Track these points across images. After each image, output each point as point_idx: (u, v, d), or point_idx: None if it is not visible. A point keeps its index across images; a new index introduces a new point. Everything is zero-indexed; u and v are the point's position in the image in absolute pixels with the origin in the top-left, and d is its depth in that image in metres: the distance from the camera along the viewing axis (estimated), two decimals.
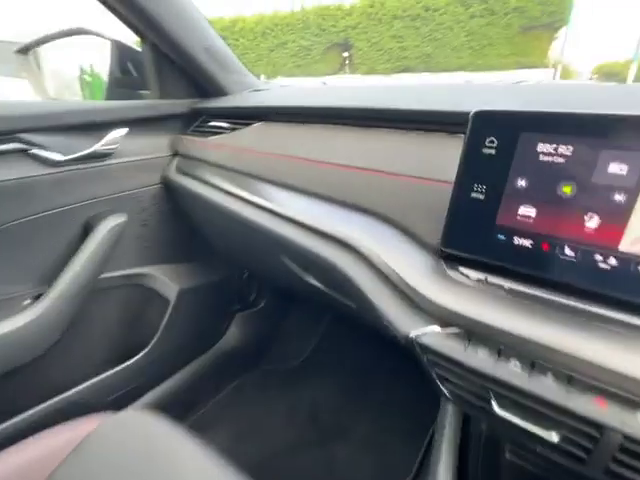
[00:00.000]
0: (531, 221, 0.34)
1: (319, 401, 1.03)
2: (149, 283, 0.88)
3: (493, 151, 0.35)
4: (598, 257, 0.32)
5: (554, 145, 0.32)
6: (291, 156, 0.59)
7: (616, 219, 0.31)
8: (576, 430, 0.29)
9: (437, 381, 0.38)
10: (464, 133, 0.38)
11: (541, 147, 0.33)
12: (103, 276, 0.79)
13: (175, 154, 0.87)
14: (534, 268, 0.35)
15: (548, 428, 0.31)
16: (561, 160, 0.32)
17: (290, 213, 0.54)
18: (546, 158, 0.33)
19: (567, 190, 0.33)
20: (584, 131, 0.31)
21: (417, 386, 0.98)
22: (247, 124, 0.73)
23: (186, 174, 0.79)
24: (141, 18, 0.72)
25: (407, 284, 0.39)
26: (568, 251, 0.33)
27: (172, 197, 0.88)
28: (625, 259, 0.31)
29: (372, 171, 0.49)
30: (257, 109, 0.73)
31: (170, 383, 0.95)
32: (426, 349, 0.36)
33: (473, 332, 0.34)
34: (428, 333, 0.36)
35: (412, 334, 0.37)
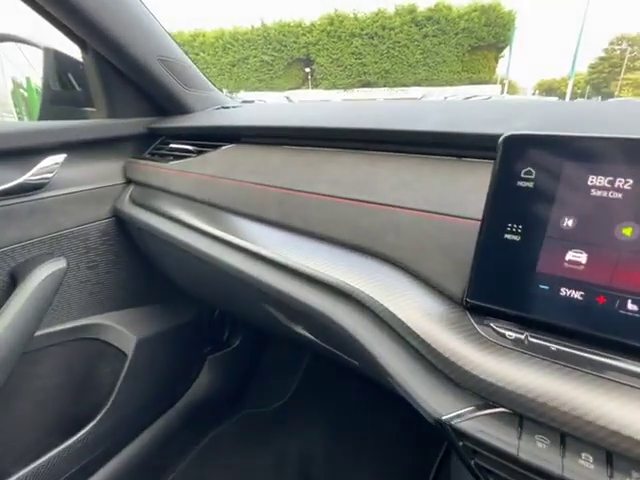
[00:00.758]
0: (582, 269, 0.28)
1: (308, 448, 0.92)
2: (100, 335, 0.74)
3: (531, 184, 0.29)
4: None
5: (609, 178, 0.26)
6: (269, 185, 0.50)
7: None
8: None
9: (475, 471, 0.30)
10: (485, 159, 0.32)
11: (592, 180, 0.27)
12: (39, 333, 0.64)
13: (129, 182, 0.75)
14: (587, 325, 0.28)
15: None
16: (619, 196, 0.26)
17: (272, 254, 0.45)
18: (599, 193, 0.27)
19: (627, 232, 0.27)
20: None
21: (412, 419, 0.90)
22: (215, 146, 0.63)
23: (142, 206, 0.67)
24: (79, 21, 0.60)
25: (431, 347, 0.32)
26: (631, 305, 0.27)
27: (126, 232, 0.75)
28: None
29: (370, 203, 0.41)
30: (227, 129, 0.63)
31: (132, 450, 0.80)
32: (464, 436, 0.28)
33: (526, 415, 0.27)
34: (466, 416, 0.29)
35: (445, 417, 0.29)
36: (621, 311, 0.27)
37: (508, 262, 0.31)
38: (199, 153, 0.65)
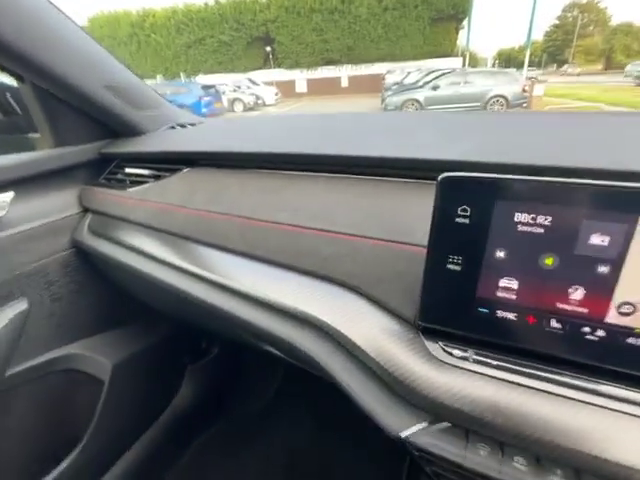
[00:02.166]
0: (514, 294, 0.32)
1: (294, 445, 0.96)
2: (73, 365, 0.73)
3: (467, 220, 0.32)
4: (585, 329, 0.30)
5: (532, 215, 0.29)
6: (231, 215, 0.50)
7: (601, 291, 0.29)
8: None
9: (431, 476, 0.34)
10: (433, 179, 0.34)
11: (518, 217, 0.30)
12: (10, 373, 0.63)
13: (86, 210, 0.73)
14: (520, 341, 0.32)
15: None
16: (540, 230, 0.30)
17: (235, 284, 0.46)
18: (525, 228, 0.30)
19: (549, 262, 0.30)
20: (562, 201, 0.28)
21: None
22: (172, 170, 0.62)
23: (102, 236, 0.66)
24: (13, 59, 0.56)
25: (384, 368, 0.35)
26: (555, 323, 0.31)
27: (88, 261, 0.73)
28: (613, 331, 0.29)
29: (328, 232, 0.42)
30: (184, 154, 0.62)
31: (116, 471, 0.81)
32: (419, 449, 0.32)
33: (470, 428, 0.31)
34: (420, 432, 0.32)
35: (403, 435, 0.33)
36: (547, 329, 0.31)
37: (451, 289, 0.34)
38: (156, 177, 0.63)
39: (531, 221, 0.30)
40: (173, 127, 0.77)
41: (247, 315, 0.44)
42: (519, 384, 0.31)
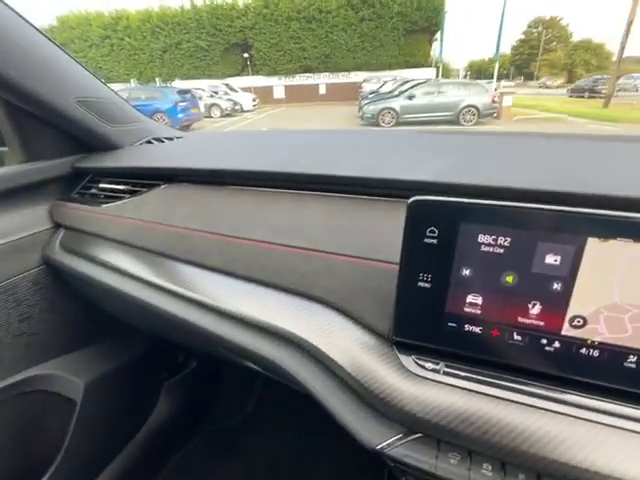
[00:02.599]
0: (479, 309, 0.34)
1: (276, 455, 0.96)
2: (43, 386, 0.70)
3: (435, 241, 0.34)
4: (544, 341, 0.32)
5: (494, 236, 0.32)
6: (209, 232, 0.51)
7: (556, 306, 0.31)
8: None
9: None
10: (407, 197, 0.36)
11: (481, 238, 0.32)
12: None
13: (58, 225, 0.71)
14: (486, 353, 0.34)
15: None
16: (501, 251, 0.32)
17: (212, 302, 0.46)
18: (487, 248, 0.32)
19: (509, 279, 0.32)
20: (519, 224, 0.31)
21: None
22: (149, 185, 0.62)
23: (75, 253, 0.64)
24: None
25: (359, 382, 0.36)
26: (516, 336, 0.33)
27: (59, 278, 0.71)
28: (567, 342, 0.32)
29: (305, 250, 0.44)
30: (160, 170, 0.62)
31: None
32: (395, 460, 0.33)
33: (440, 438, 0.33)
34: (394, 444, 0.34)
35: (378, 447, 0.34)
36: (510, 341, 0.34)
37: (422, 305, 0.35)
38: (132, 193, 0.63)
39: (493, 242, 0.32)
40: (150, 142, 0.76)
41: (225, 332, 0.44)
42: (487, 394, 0.33)
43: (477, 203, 0.32)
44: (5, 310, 0.63)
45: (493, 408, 0.32)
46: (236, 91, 18.49)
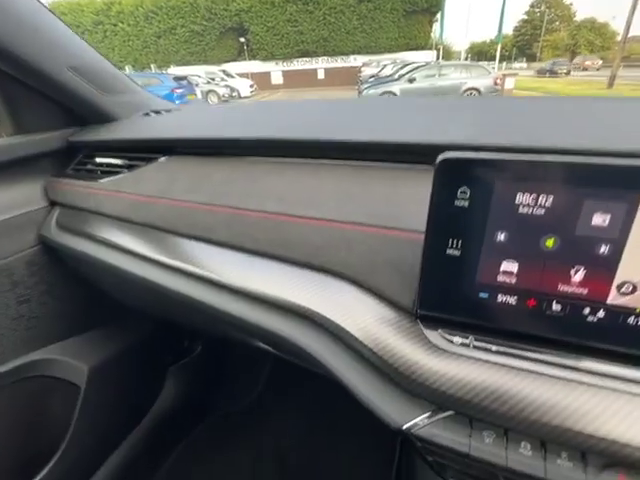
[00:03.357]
0: (514, 277, 0.31)
1: (283, 439, 0.95)
2: (46, 371, 0.68)
3: (466, 203, 0.30)
4: (586, 311, 0.30)
5: (533, 195, 0.29)
6: (215, 205, 0.47)
7: (602, 272, 0.28)
8: None
9: (434, 466, 0.34)
10: (426, 163, 0.33)
11: (519, 197, 0.29)
12: None
13: (54, 204, 0.67)
14: (521, 325, 0.32)
15: None
16: (541, 212, 0.29)
17: (221, 278, 0.43)
18: (525, 210, 0.29)
19: (550, 244, 0.29)
20: (564, 180, 0.28)
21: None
22: (148, 159, 0.58)
23: (72, 231, 0.61)
24: None
25: (383, 359, 0.34)
26: (555, 306, 0.30)
27: (56, 258, 0.68)
28: (613, 311, 0.29)
29: (318, 220, 0.40)
30: (159, 142, 0.58)
31: (100, 477, 0.76)
32: (423, 441, 0.31)
33: (473, 415, 0.30)
34: (422, 422, 0.31)
35: (405, 426, 0.31)
36: (547, 312, 0.31)
37: (451, 274, 0.33)
38: (130, 167, 0.59)
39: (532, 202, 0.29)
40: (147, 114, 0.72)
41: (234, 310, 0.42)
42: (522, 369, 0.31)
43: (518, 159, 0.28)
44: (2, 292, 0.60)
45: (530, 384, 0.30)
46: (233, 77, 18.17)
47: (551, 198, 0.28)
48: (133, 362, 0.83)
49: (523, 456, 0.28)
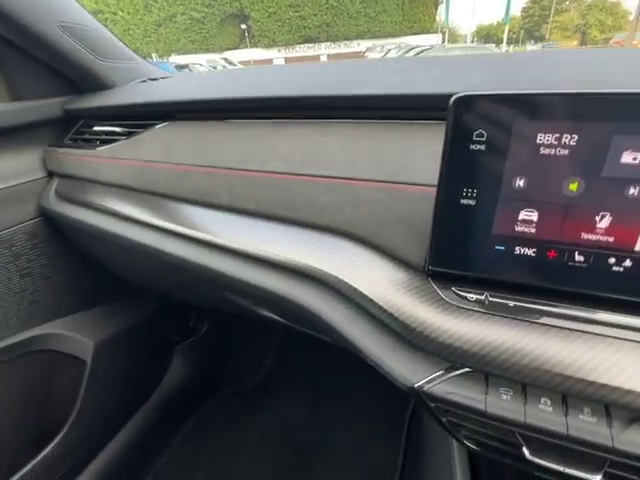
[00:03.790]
0: (533, 227, 0.29)
1: (291, 415, 0.95)
2: (52, 345, 0.67)
3: (483, 147, 0.28)
4: (611, 260, 0.28)
5: (556, 134, 0.26)
6: (215, 167, 0.45)
7: (631, 217, 0.26)
8: (624, 466, 0.26)
9: (447, 427, 0.32)
10: (437, 119, 0.31)
11: (541, 138, 0.27)
12: None
13: (52, 174, 0.66)
14: (541, 279, 0.30)
15: (591, 470, 0.27)
16: (565, 152, 0.27)
17: (226, 241, 0.42)
18: (547, 151, 0.27)
19: (573, 187, 0.27)
20: (591, 115, 0.25)
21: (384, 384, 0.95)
22: (146, 125, 0.56)
23: (72, 201, 0.59)
24: None
25: (395, 317, 0.32)
26: (578, 257, 0.28)
27: (58, 231, 0.67)
28: None
29: (324, 178, 0.38)
30: (159, 106, 0.56)
31: (107, 454, 0.77)
32: (435, 399, 0.30)
33: (490, 371, 0.29)
34: (436, 380, 0.30)
35: (416, 385, 0.30)
36: (570, 263, 0.29)
37: (465, 227, 0.31)
38: (129, 135, 0.57)
39: (555, 142, 0.27)
40: (144, 81, 0.70)
41: (240, 274, 0.40)
42: (541, 323, 0.29)
43: (539, 94, 0.26)
44: (3, 264, 0.60)
45: (550, 338, 0.28)
46: (235, 65, 17.94)
47: (576, 136, 0.26)
48: (140, 339, 0.83)
49: (543, 412, 0.27)
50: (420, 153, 0.37)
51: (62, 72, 0.63)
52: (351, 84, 0.45)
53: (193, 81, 0.66)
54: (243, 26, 25.07)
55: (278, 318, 0.49)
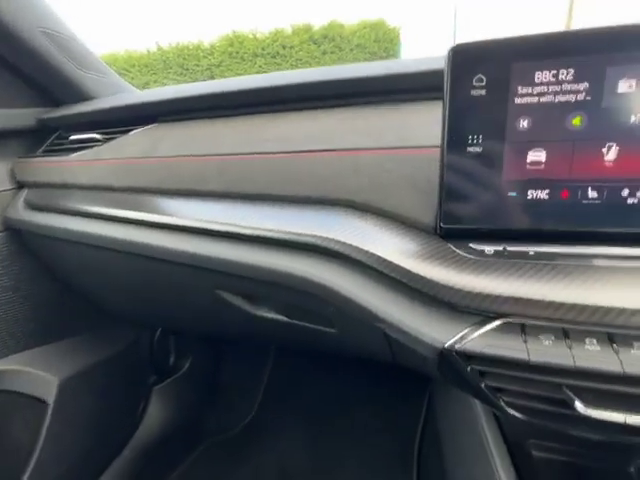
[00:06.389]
0: (543, 167, 0.29)
1: (285, 457, 0.83)
2: (7, 384, 0.57)
3: (483, 91, 0.29)
4: (625, 192, 0.27)
5: (553, 71, 0.27)
6: (207, 155, 0.43)
7: (636, 145, 0.27)
8: None
9: (488, 395, 0.28)
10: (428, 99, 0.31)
11: (539, 76, 0.27)
12: None
13: (22, 186, 0.61)
14: (556, 222, 0.29)
15: None
16: (564, 88, 0.27)
17: (222, 226, 0.39)
18: (547, 88, 0.28)
19: (577, 122, 0.28)
20: (583, 50, 0.27)
21: (388, 409, 0.88)
22: (129, 131, 0.54)
23: (44, 208, 0.55)
24: None
25: (419, 277, 0.30)
26: (591, 193, 0.28)
27: (24, 246, 0.61)
28: None
29: (326, 151, 0.37)
30: (143, 107, 0.54)
31: None
32: (473, 357, 0.26)
33: (525, 319, 0.26)
34: (468, 336, 0.27)
35: (447, 343, 0.27)
36: (584, 201, 0.28)
37: (475, 176, 0.30)
38: (108, 140, 0.55)
39: (553, 79, 0.27)
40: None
41: (243, 258, 0.37)
42: (566, 265, 0.27)
43: (532, 35, 0.27)
44: None
45: (584, 280, 0.26)
46: None
47: (572, 71, 0.27)
48: (112, 377, 0.72)
49: (591, 352, 0.24)
50: (417, 123, 0.37)
51: (38, 81, 0.61)
52: (339, 70, 0.46)
53: (175, 88, 0.65)
54: None
55: (277, 317, 0.44)
